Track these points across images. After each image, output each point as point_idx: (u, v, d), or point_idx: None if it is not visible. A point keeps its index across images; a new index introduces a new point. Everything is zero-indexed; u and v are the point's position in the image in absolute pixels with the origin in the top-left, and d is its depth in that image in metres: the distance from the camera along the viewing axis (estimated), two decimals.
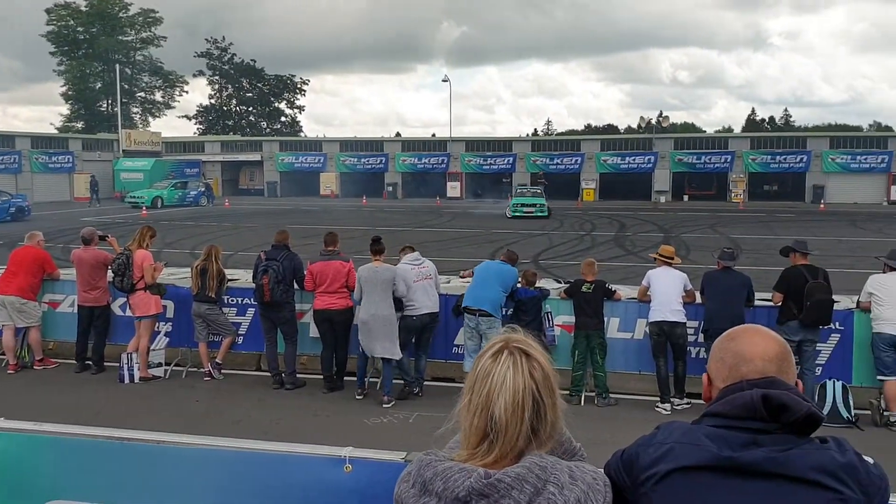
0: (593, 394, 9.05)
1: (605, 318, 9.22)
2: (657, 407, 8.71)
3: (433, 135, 68.55)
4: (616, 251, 23.35)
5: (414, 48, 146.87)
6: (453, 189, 53.73)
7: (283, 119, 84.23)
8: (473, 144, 57.09)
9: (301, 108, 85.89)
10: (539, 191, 40.68)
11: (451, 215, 38.45)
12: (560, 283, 10.64)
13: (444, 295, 9.82)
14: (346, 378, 9.47)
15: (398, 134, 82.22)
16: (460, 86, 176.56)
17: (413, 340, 9.25)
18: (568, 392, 9.07)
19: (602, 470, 1.82)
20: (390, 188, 55.54)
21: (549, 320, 9.42)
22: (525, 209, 36.73)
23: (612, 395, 8.94)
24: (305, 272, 9.49)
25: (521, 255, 20.08)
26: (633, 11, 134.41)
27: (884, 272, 8.54)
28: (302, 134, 79.92)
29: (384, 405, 8.66)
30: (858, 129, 77.08)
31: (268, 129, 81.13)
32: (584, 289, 9.14)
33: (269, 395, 9.27)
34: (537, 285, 9.59)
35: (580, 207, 43.88)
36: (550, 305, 9.51)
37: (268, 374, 9.73)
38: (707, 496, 1.68)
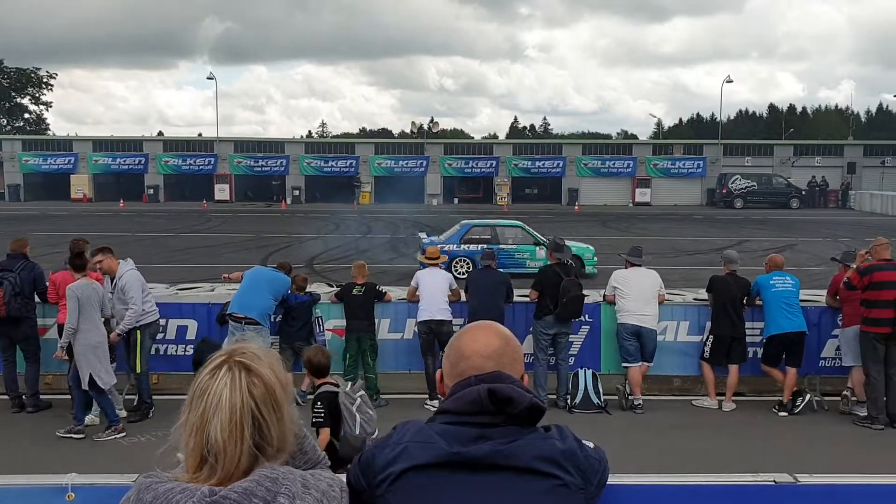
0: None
1: (376, 320, 9.29)
2: (426, 404, 8.89)
3: (199, 134, 65.73)
4: (391, 253, 23.70)
5: (174, 43, 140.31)
6: (221, 192, 51.58)
7: (26, 116, 76.46)
8: (243, 145, 55.36)
9: (48, 105, 78.34)
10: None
11: (220, 219, 36.99)
12: (332, 286, 10.59)
13: (208, 304, 9.42)
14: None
15: (160, 133, 77.94)
16: (227, 84, 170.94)
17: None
18: None
19: (341, 476, 1.76)
20: (151, 191, 52.22)
21: (319, 325, 9.32)
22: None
23: (382, 396, 9.00)
24: (48, 283, 8.67)
25: (296, 260, 19.76)
26: (398, 18, 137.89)
27: (626, 268, 9.34)
28: (49, 132, 73.16)
29: (109, 436, 7.76)
30: (608, 136, 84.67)
31: (9, 127, 73.21)
32: (354, 292, 9.16)
33: (8, 420, 8.31)
34: (307, 290, 9.45)
35: (356, 210, 44.10)
36: (321, 310, 9.40)
37: (6, 396, 8.73)
38: (439, 493, 1.70)
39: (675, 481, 2.17)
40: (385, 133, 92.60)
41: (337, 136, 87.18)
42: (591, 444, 1.87)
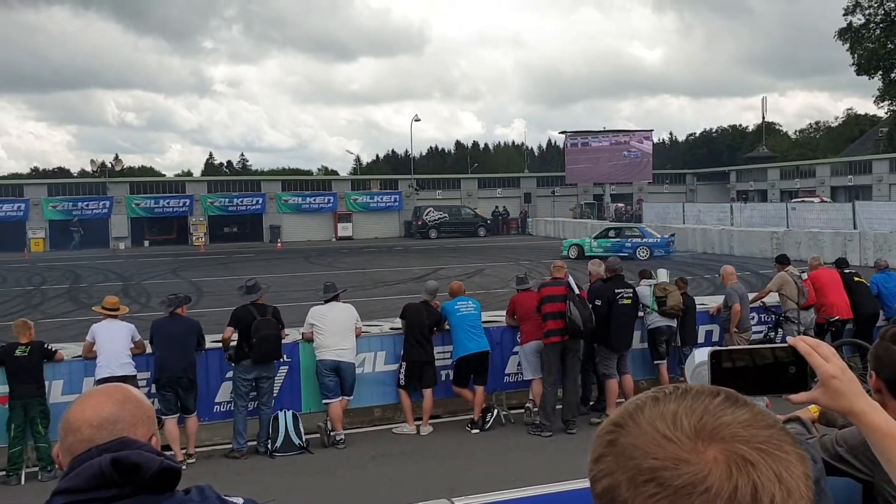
0: (36, 469, 8.04)
1: (47, 382, 8.31)
2: None
3: None
4: (69, 305, 21.51)
5: None
6: None
7: None
8: None
9: None
10: (600, 231, 32.89)
11: None
12: None
13: None
14: None
15: None
16: None
17: None
18: (5, 472, 7.99)
19: None
20: None
21: None
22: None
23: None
24: None
25: None
26: (66, 49, 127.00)
27: (323, 303, 9.33)
28: None
29: None
30: (309, 172, 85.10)
31: None
32: (17, 353, 8.13)
33: None
34: None
35: (28, 259, 39.50)
36: None
37: None
38: None
39: None
40: (62, 173, 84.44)
41: (2, 178, 77.73)
42: (239, 500, 1.77)
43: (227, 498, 1.74)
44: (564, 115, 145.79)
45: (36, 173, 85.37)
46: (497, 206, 55.34)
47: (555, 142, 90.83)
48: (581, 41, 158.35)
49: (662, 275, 10.71)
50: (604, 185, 55.67)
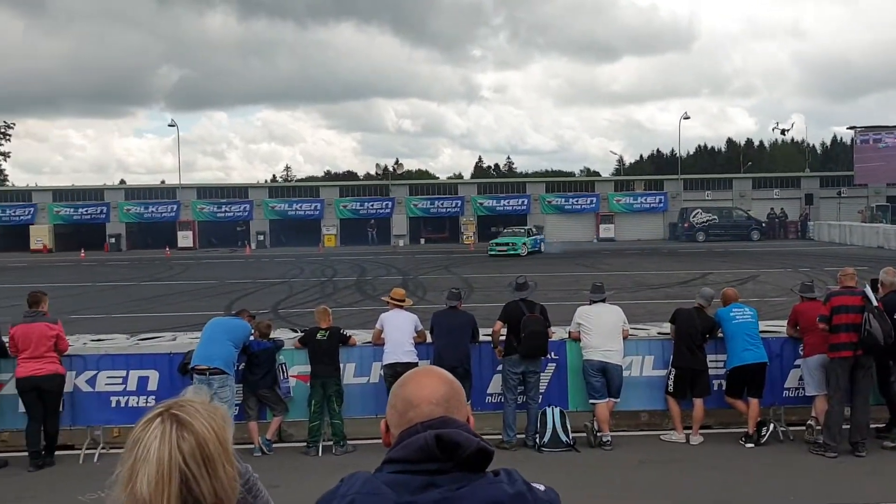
0: (331, 443, 8.96)
1: (342, 365, 9.22)
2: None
3: (162, 182, 65.31)
4: (357, 296, 23.58)
5: (130, 91, 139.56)
6: (185, 238, 51.07)
7: None
8: (206, 191, 55.08)
9: (6, 155, 77.01)
10: (522, 231, 42.36)
11: (183, 266, 36.55)
12: (296, 332, 10.51)
13: (169, 354, 9.27)
14: (58, 452, 8.51)
15: (122, 181, 77.17)
16: (186, 131, 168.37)
17: None
18: (305, 444, 8.97)
19: None
20: (113, 240, 51.51)
21: (283, 372, 9.20)
22: (499, 248, 38.99)
23: (349, 442, 8.89)
24: (7, 337, 8.52)
25: (260, 305, 19.62)
26: (352, 62, 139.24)
27: (589, 304, 9.40)
28: (8, 183, 72.05)
29: None
30: (571, 174, 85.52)
31: None
32: (318, 336, 9.08)
33: None
34: (271, 336, 9.36)
35: (321, 253, 43.90)
36: (285, 356, 9.30)
37: None
38: None
39: None
40: (350, 175, 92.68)
41: (301, 180, 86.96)
42: (541, 487, 1.84)
43: (532, 484, 1.82)
44: (851, 109, 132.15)
45: (328, 176, 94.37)
46: (773, 208, 51.69)
47: (841, 138, 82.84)
48: (871, 28, 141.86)
49: None
50: None
